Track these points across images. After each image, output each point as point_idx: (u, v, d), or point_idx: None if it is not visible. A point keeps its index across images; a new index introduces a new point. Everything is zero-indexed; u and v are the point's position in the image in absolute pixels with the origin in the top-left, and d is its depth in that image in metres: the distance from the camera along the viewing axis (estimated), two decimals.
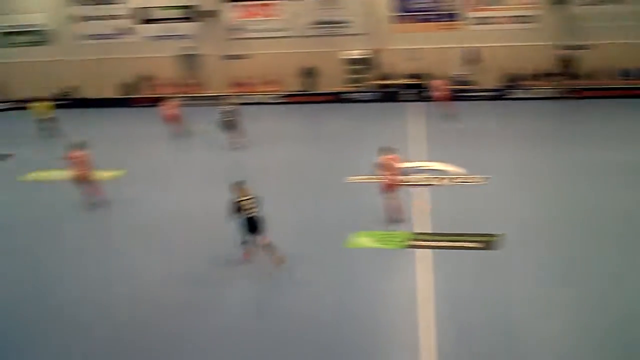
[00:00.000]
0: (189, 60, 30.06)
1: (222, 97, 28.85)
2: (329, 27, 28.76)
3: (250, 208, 11.07)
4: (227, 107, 21.08)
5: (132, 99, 29.85)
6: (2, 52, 31.89)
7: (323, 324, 9.50)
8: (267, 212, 11.38)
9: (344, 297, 10.36)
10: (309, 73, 28.80)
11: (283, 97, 28.87)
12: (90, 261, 12.48)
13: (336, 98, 28.35)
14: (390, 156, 13.10)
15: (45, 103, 24.86)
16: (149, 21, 30.18)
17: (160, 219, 14.57)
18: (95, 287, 11.24)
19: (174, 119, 22.80)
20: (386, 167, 13.01)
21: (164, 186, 17.26)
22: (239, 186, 11.30)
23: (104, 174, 17.55)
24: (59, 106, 29.57)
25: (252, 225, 11.08)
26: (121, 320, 9.97)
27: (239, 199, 11.11)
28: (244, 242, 11.35)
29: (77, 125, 25.55)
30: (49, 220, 15.03)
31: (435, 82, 23.94)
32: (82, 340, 9.44)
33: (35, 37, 31.50)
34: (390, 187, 13.03)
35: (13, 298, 11.04)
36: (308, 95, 28.77)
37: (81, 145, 15.48)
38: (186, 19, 29.75)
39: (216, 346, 9.09)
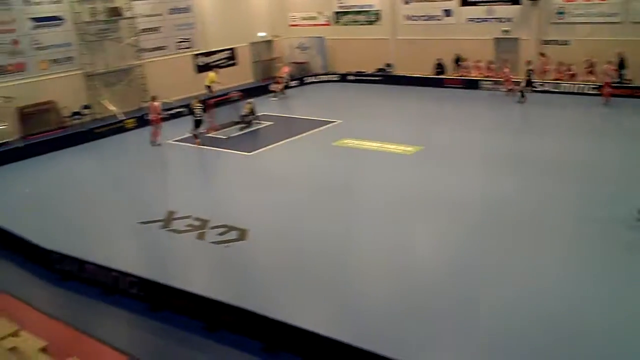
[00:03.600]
0: (506, 44, 29.63)
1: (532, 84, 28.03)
2: None
3: None
4: None
5: (445, 80, 30.63)
6: (337, 29, 35.52)
7: None
8: None
9: None
10: (622, 63, 25.87)
11: (595, 88, 26.39)
12: None
13: None
14: None
15: (213, 74, 28.97)
16: (469, 3, 30.37)
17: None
18: None
19: None
20: None
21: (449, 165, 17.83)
22: None
23: (404, 148, 19.18)
24: (372, 81, 32.20)
25: None
26: None
27: None
28: None
29: (382, 100, 27.59)
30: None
31: None
32: None
33: (367, 16, 34.29)
34: None
35: None
36: (623, 88, 25.77)
37: None
38: (508, 1, 29.15)
39: None
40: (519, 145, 19.50)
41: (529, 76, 26.46)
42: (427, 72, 31.66)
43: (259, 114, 25.25)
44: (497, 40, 30.09)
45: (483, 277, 11.16)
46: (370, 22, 34.24)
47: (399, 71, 33.10)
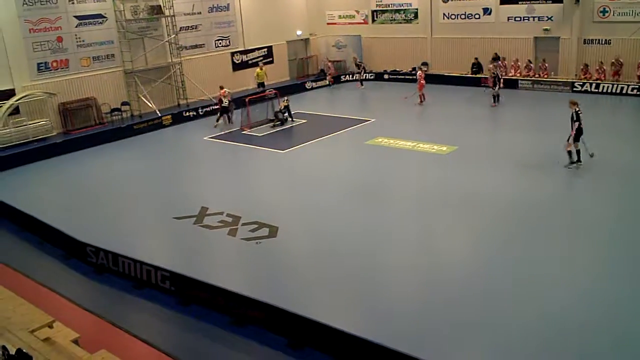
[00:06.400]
0: (546, 43, 29.13)
1: (571, 84, 27.51)
2: None
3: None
4: None
5: (482, 79, 30.21)
6: (374, 27, 35.43)
7: None
8: None
9: None
10: None
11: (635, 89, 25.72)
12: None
13: None
14: None
15: (263, 70, 30.97)
16: (509, 1, 29.90)
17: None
18: None
19: None
20: None
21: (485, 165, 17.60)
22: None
23: (438, 148, 19.04)
24: (407, 80, 31.98)
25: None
26: None
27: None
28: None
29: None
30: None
31: None
32: None
33: (405, 15, 34.11)
34: None
35: None
36: None
37: None
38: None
39: None
40: (556, 146, 19.07)
41: (494, 77, 25.57)
42: (464, 71, 31.36)
43: (293, 112, 25.39)
44: (537, 39, 29.60)
45: (515, 280, 11.02)
46: (408, 21, 34.05)
47: (435, 70, 32.86)
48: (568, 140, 16.71)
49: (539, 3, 29.02)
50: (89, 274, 12.51)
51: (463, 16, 31.75)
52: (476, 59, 30.93)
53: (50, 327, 9.27)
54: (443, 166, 17.99)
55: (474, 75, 30.71)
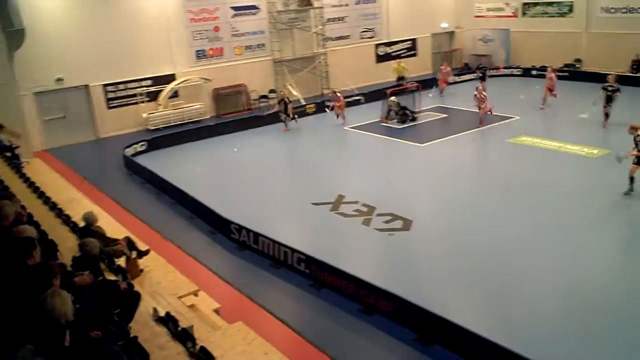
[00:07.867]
0: None
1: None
2: None
3: None
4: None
5: None
6: (524, 21, 33.96)
7: None
8: None
9: None
10: None
11: None
12: None
13: None
14: None
15: (402, 64, 30.19)
16: None
17: None
18: None
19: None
20: None
21: None
22: None
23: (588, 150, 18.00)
24: (558, 77, 30.25)
25: None
26: None
27: None
28: None
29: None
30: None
31: None
32: None
33: (559, 8, 32.37)
34: None
35: None
36: None
37: None
38: None
39: None
40: None
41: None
42: (622, 69, 29.14)
43: (432, 106, 25.05)
44: None
45: None
46: (562, 14, 32.27)
47: (589, 67, 30.85)
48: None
49: None
50: (232, 249, 13.35)
51: (624, 10, 29.49)
52: (637, 55, 28.63)
53: (196, 295, 10.04)
54: (593, 170, 16.97)
55: (634, 75, 28.47)
